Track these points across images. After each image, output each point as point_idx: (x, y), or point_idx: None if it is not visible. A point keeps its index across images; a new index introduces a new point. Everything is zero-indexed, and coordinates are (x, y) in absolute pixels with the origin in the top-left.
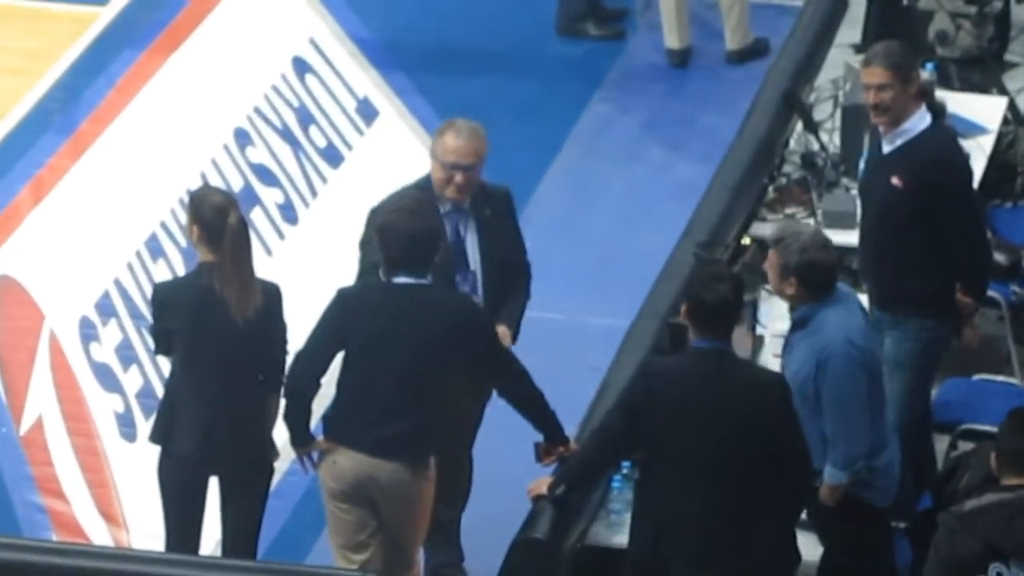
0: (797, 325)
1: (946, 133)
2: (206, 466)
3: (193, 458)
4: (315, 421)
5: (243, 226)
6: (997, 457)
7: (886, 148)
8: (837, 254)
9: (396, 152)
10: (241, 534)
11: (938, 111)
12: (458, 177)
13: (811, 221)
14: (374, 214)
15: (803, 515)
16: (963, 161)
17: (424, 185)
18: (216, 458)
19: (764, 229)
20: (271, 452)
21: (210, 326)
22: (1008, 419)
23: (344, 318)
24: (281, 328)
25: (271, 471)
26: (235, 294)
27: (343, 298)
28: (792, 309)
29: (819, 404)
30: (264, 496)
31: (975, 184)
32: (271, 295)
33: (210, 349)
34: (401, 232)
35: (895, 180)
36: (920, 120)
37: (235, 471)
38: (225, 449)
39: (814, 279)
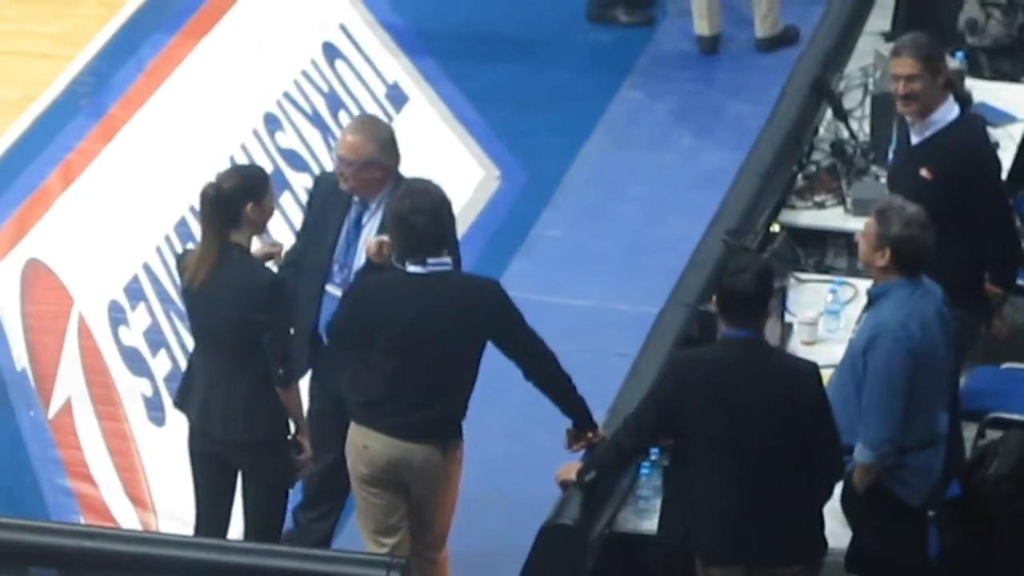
0: (870, 301)
1: (975, 124)
2: (204, 438)
3: (195, 427)
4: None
5: (208, 197)
6: None
7: (915, 139)
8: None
9: (426, 138)
10: (253, 517)
11: (965, 101)
12: (342, 170)
13: (840, 209)
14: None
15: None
16: (991, 152)
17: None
18: (210, 429)
19: (793, 216)
20: (273, 435)
21: (184, 293)
22: None
23: (370, 302)
24: (261, 319)
25: (279, 455)
26: (191, 262)
27: (375, 284)
28: (871, 286)
29: (864, 378)
30: (276, 480)
31: (1004, 173)
32: (253, 283)
33: (190, 316)
34: (416, 216)
35: (924, 172)
36: (948, 111)
37: (229, 449)
38: (216, 423)
39: (909, 254)
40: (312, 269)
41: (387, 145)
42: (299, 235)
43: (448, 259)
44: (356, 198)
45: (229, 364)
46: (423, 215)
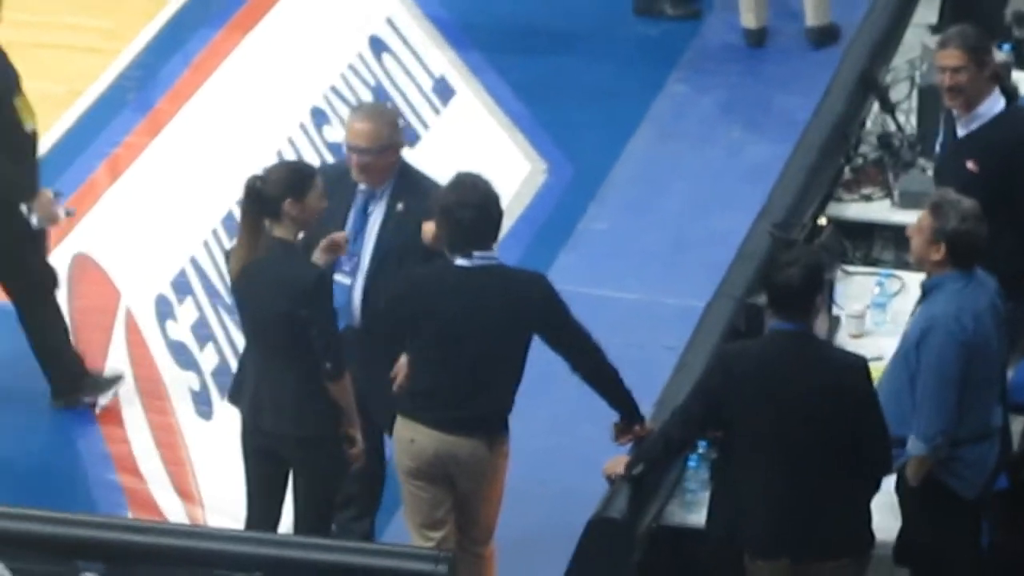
0: (924, 293)
1: (1021, 116)
2: (256, 431)
3: (247, 421)
4: None
5: (250, 189)
6: None
7: (961, 132)
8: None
9: (472, 131)
10: (303, 511)
11: (1012, 93)
12: (355, 159)
13: (887, 202)
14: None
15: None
16: None
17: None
18: (260, 424)
19: (840, 209)
20: (322, 431)
21: (232, 287)
22: None
23: (418, 297)
24: (305, 315)
25: (329, 450)
26: (234, 256)
27: (423, 277)
28: (925, 280)
29: (918, 371)
30: (326, 475)
31: None
32: (296, 278)
33: (239, 310)
34: (464, 210)
35: (970, 164)
36: (994, 103)
37: (279, 443)
38: (266, 417)
39: (964, 249)
40: None
41: (398, 127)
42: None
43: (495, 253)
44: (361, 187)
45: (277, 359)
46: (471, 209)
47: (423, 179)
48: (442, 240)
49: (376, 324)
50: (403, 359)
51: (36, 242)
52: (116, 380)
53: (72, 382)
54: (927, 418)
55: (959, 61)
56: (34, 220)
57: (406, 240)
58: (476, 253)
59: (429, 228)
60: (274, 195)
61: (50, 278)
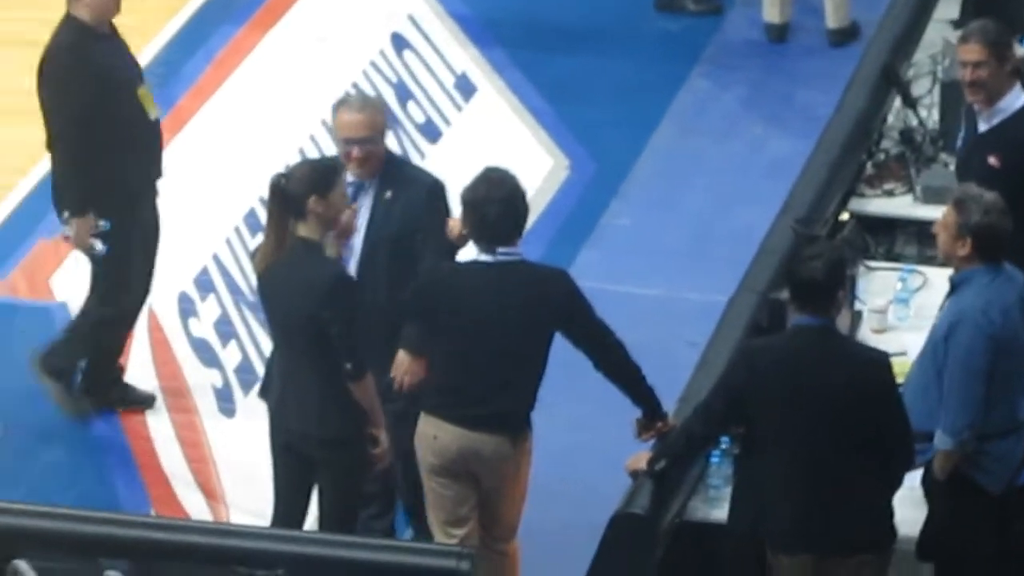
0: (953, 288)
1: None
2: (282, 429)
3: (274, 419)
4: None
5: (275, 188)
6: None
7: (982, 127)
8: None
9: (494, 127)
10: (328, 509)
11: None
12: (355, 151)
13: (909, 197)
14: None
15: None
16: None
17: (339, 160)
18: (286, 422)
19: (862, 204)
20: (346, 432)
21: (258, 287)
22: None
23: (441, 293)
24: (330, 314)
25: (353, 450)
26: (259, 255)
27: (450, 272)
28: (953, 274)
29: (945, 365)
30: (350, 475)
31: None
32: (321, 277)
33: (264, 310)
34: (489, 205)
35: (992, 159)
36: (1016, 98)
37: (303, 441)
38: (292, 416)
39: (989, 242)
40: None
41: (386, 115)
42: None
43: (519, 249)
44: (350, 178)
45: (301, 359)
46: (496, 204)
47: (408, 167)
48: (467, 234)
49: (399, 316)
50: (400, 355)
51: (151, 241)
52: (146, 400)
53: (105, 386)
54: (954, 412)
55: (980, 56)
56: (67, 231)
57: (397, 228)
58: (500, 249)
59: (455, 224)
60: (299, 193)
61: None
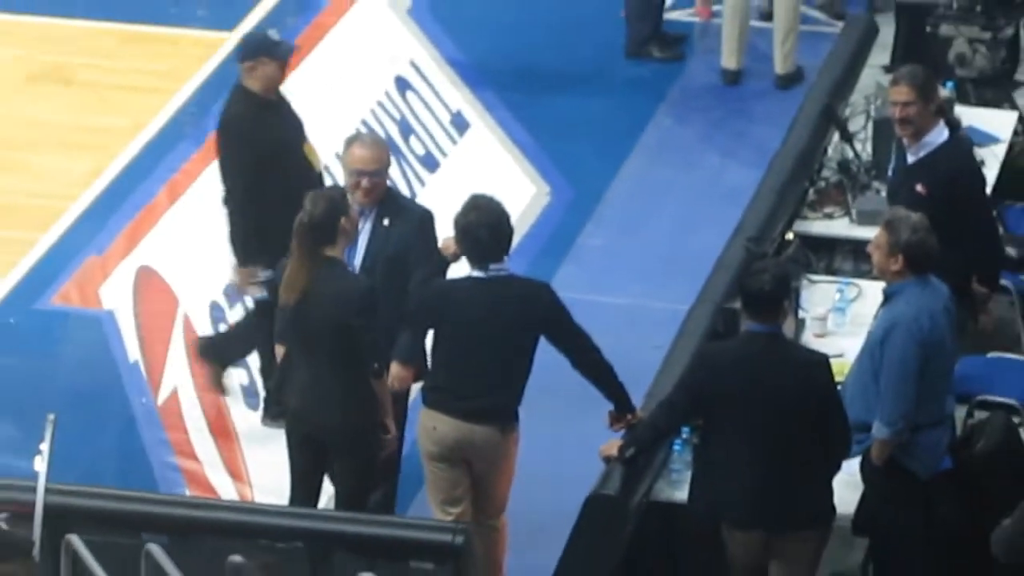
0: (886, 298)
1: (962, 146)
2: (305, 423)
3: (296, 415)
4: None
5: (303, 224)
6: None
7: (910, 159)
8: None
9: (485, 159)
10: (344, 490)
11: (954, 125)
12: (364, 182)
13: (846, 219)
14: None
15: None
16: (977, 170)
17: (344, 189)
18: (311, 417)
19: (805, 226)
20: (366, 421)
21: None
22: None
23: (441, 305)
24: (358, 322)
25: (367, 440)
26: (286, 279)
27: (448, 286)
28: (886, 286)
29: (881, 365)
30: (367, 459)
31: (989, 188)
32: (350, 290)
33: (289, 324)
34: (480, 228)
35: (919, 187)
36: (939, 134)
37: (327, 433)
38: (317, 411)
39: (918, 258)
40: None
41: (390, 152)
42: None
43: (507, 265)
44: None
45: (328, 362)
46: (486, 228)
47: (402, 198)
48: (460, 253)
49: (403, 322)
50: (393, 366)
51: None
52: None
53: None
54: (890, 406)
55: (908, 96)
56: (232, 276)
57: (393, 249)
58: (491, 266)
59: (449, 243)
60: (331, 219)
61: None
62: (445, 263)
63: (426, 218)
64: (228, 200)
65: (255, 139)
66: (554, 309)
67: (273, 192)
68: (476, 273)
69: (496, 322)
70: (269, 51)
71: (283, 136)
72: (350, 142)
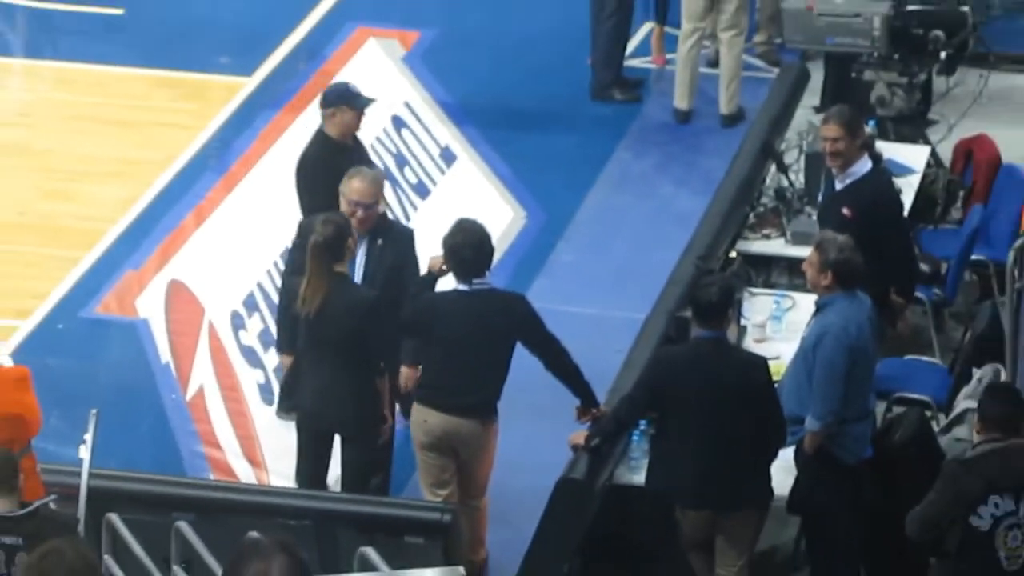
0: (818, 309)
1: (883, 175)
2: (317, 417)
3: (308, 410)
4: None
5: (317, 244)
6: (980, 419)
7: (838, 186)
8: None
9: (470, 187)
10: (351, 474)
11: (877, 157)
12: (360, 212)
13: (782, 240)
14: (302, 227)
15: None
16: (895, 196)
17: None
18: (323, 411)
19: (746, 245)
20: (371, 413)
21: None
22: (987, 393)
23: (431, 315)
24: (366, 328)
25: (373, 429)
26: (303, 294)
27: (438, 299)
28: (818, 299)
29: (814, 367)
30: (371, 446)
31: (906, 212)
32: (359, 301)
33: (305, 330)
34: (465, 248)
35: (845, 211)
36: (863, 165)
37: (338, 424)
38: (330, 405)
39: (845, 274)
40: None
41: (383, 185)
42: (291, 272)
43: (488, 279)
44: None
45: (343, 363)
46: (470, 248)
47: (394, 223)
48: (448, 269)
49: (400, 330)
50: (403, 369)
51: None
52: None
53: None
54: (820, 403)
55: (837, 133)
56: None
57: (389, 264)
58: (474, 280)
59: (437, 260)
60: (340, 239)
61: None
62: (434, 278)
63: (412, 236)
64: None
65: (325, 179)
66: (529, 318)
67: None
68: (461, 287)
69: (478, 330)
70: (348, 101)
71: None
72: (352, 176)
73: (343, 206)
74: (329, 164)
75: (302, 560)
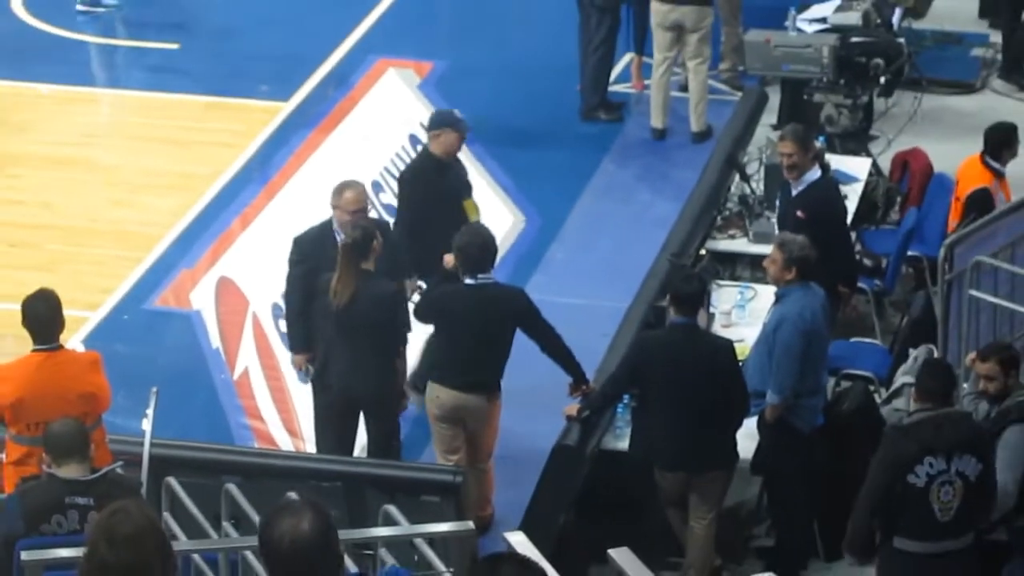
0: (778, 298)
1: (831, 182)
2: (346, 395)
3: (337, 388)
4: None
5: (347, 245)
6: (917, 391)
7: (793, 192)
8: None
9: (476, 195)
10: (376, 442)
11: (825, 167)
12: (351, 217)
13: (745, 239)
14: (296, 243)
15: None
16: (840, 201)
17: (327, 224)
18: (352, 388)
19: (714, 244)
20: (393, 389)
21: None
22: (924, 368)
23: (443, 305)
24: (389, 317)
25: (394, 403)
26: (334, 288)
27: (448, 292)
28: (778, 289)
29: (774, 348)
30: (393, 417)
31: (850, 216)
32: (385, 295)
33: (335, 319)
34: (472, 248)
35: (799, 213)
36: (814, 174)
37: (364, 399)
38: (358, 383)
39: (804, 269)
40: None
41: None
42: (296, 279)
43: (491, 274)
44: (341, 236)
45: (369, 347)
46: (476, 247)
47: (378, 220)
48: (457, 266)
49: (417, 318)
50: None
51: None
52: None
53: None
54: (780, 379)
55: (793, 149)
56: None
57: (387, 255)
58: (480, 275)
59: (449, 258)
60: (366, 242)
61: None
62: (448, 274)
63: (491, 239)
64: (394, 229)
65: (424, 192)
66: (527, 308)
67: (430, 231)
68: (468, 280)
69: (483, 318)
70: (452, 125)
71: (446, 192)
72: (342, 189)
73: (339, 216)
74: (431, 179)
75: (329, 516)
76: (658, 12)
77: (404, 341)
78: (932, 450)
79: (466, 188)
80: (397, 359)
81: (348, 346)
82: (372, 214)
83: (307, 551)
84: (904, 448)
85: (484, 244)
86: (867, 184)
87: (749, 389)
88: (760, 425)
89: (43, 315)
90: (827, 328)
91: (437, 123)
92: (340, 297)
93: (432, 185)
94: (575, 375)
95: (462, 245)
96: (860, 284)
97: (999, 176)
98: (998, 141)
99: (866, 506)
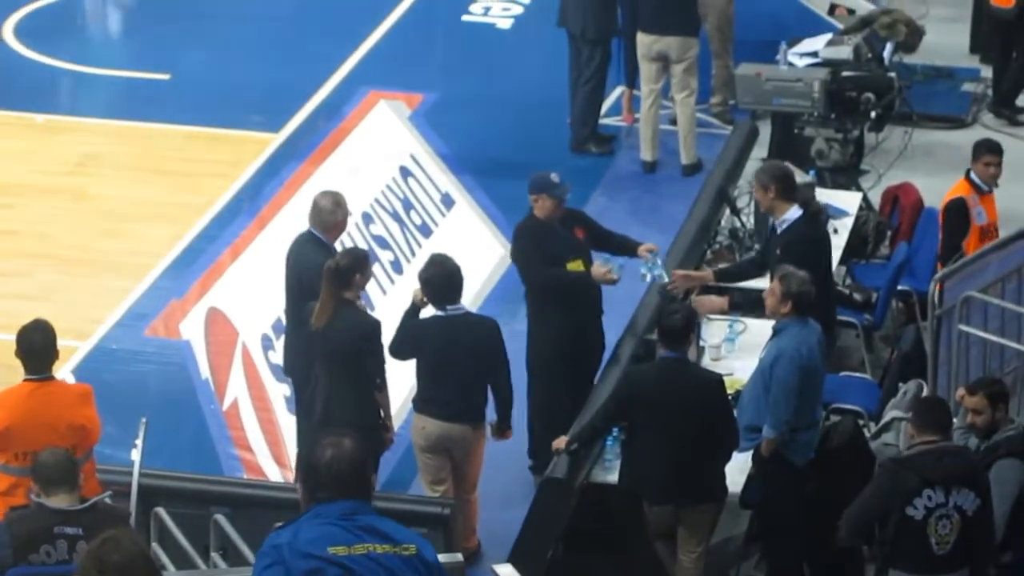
0: (775, 333)
1: (812, 222)
2: (327, 424)
3: (319, 418)
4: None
5: (330, 270)
6: (916, 425)
7: (778, 229)
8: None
9: (466, 228)
10: None
11: (806, 205)
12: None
13: None
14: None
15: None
16: (822, 242)
17: (315, 235)
18: (332, 418)
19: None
20: (372, 420)
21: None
22: (922, 403)
23: (414, 338)
24: (366, 347)
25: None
26: (315, 312)
27: (420, 325)
28: (775, 324)
29: (770, 383)
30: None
31: (840, 250)
32: (362, 325)
33: (318, 347)
34: (437, 279)
35: (778, 251)
36: (793, 213)
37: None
38: (336, 413)
39: (803, 304)
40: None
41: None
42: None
43: (461, 305)
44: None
45: (343, 376)
46: (440, 278)
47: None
48: (426, 299)
49: (391, 353)
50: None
51: None
52: None
53: None
54: (776, 414)
55: (759, 193)
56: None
57: None
58: (448, 307)
59: (416, 292)
60: (349, 272)
61: None
62: (416, 308)
63: (456, 271)
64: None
65: (534, 252)
66: (493, 340)
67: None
68: (438, 313)
69: (456, 349)
70: (548, 190)
71: (551, 253)
72: (337, 202)
73: (340, 226)
74: (538, 241)
75: (363, 444)
76: (643, 43)
77: (381, 374)
78: (931, 483)
79: (570, 250)
80: (376, 392)
81: (326, 373)
82: (361, 245)
83: (352, 462)
84: (904, 479)
85: (449, 275)
86: (857, 218)
87: (744, 423)
88: (756, 459)
89: (38, 345)
90: (823, 363)
91: (535, 188)
92: (318, 321)
93: (541, 250)
94: (503, 419)
95: (427, 278)
96: (850, 318)
97: (979, 191)
98: (973, 153)
99: (853, 529)
